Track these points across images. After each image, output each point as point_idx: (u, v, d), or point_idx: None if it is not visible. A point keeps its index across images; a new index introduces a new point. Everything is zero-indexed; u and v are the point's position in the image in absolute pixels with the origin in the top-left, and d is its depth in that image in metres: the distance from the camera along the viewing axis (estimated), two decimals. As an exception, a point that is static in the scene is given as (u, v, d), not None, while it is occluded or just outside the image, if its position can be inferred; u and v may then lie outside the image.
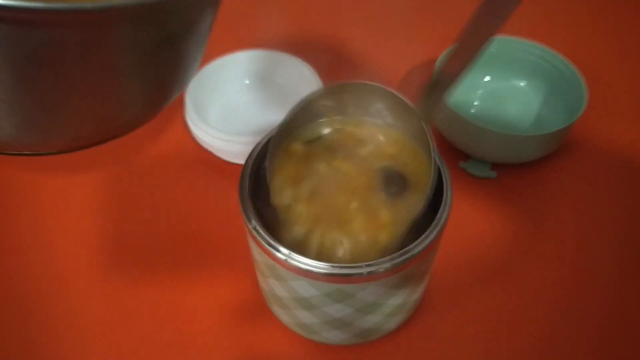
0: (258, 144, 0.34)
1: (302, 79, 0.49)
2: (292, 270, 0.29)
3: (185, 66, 0.27)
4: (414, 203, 0.31)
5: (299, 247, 0.30)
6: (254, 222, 0.30)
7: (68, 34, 0.20)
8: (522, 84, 0.50)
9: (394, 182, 0.32)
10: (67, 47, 0.20)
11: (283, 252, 0.29)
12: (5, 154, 0.25)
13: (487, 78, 0.51)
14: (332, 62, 0.57)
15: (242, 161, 0.33)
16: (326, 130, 0.34)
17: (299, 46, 0.58)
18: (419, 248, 0.29)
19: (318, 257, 0.29)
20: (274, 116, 0.49)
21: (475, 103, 0.50)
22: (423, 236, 0.29)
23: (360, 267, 0.28)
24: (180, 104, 0.47)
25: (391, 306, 0.32)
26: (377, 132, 0.34)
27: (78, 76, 0.22)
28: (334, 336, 0.34)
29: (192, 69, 0.28)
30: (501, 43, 0.49)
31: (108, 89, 0.23)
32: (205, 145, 0.46)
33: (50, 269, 0.40)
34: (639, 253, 0.41)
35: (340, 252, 0.30)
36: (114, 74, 0.23)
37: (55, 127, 0.23)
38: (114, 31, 0.21)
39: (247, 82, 0.51)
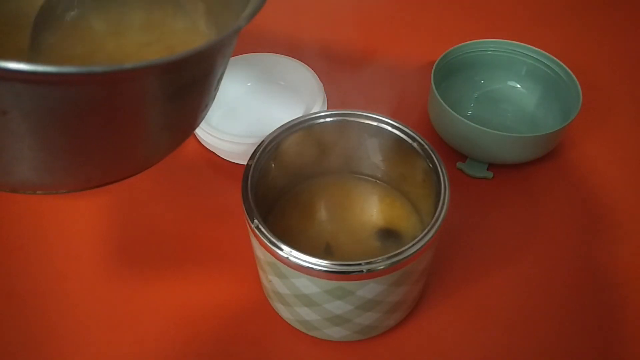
0: (260, 144, 0.35)
1: (303, 81, 0.50)
2: (293, 268, 0.30)
3: (196, 112, 0.28)
4: None
5: None
6: (256, 220, 0.31)
7: (83, 92, 0.21)
8: (517, 86, 0.51)
9: None
10: (82, 103, 0.21)
11: (285, 250, 0.29)
12: (18, 193, 0.25)
13: (483, 80, 0.52)
14: (333, 64, 0.57)
15: (244, 161, 0.34)
16: None
17: (300, 49, 0.58)
18: (418, 246, 0.30)
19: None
20: (275, 117, 0.49)
21: (472, 104, 0.51)
22: (421, 234, 0.30)
23: (360, 264, 0.29)
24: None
25: (390, 303, 0.33)
26: None
27: (93, 127, 0.23)
28: (334, 332, 0.35)
29: (204, 113, 0.29)
30: (497, 46, 0.50)
31: (121, 137, 0.24)
32: (208, 146, 0.47)
33: (53, 270, 0.40)
34: (635, 252, 0.41)
35: None
36: (127, 124, 0.24)
37: (69, 171, 0.24)
38: (127, 89, 0.22)
39: (249, 84, 0.52)
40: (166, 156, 0.28)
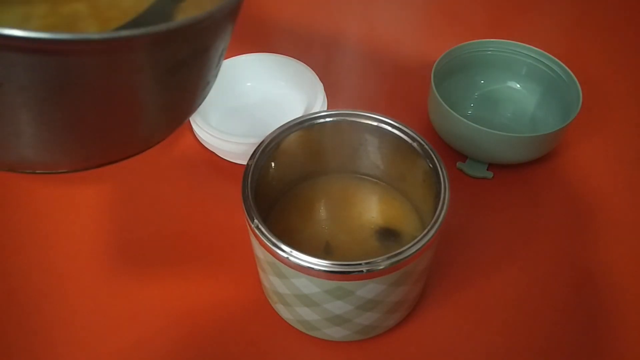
0: (260, 144, 0.35)
1: (303, 82, 0.50)
2: (293, 268, 0.30)
3: (197, 90, 0.27)
4: None
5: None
6: (256, 220, 0.31)
7: (81, 62, 0.20)
8: (517, 86, 0.51)
9: None
10: (79, 74, 0.21)
11: (285, 250, 0.29)
12: (18, 172, 0.25)
13: (483, 80, 0.52)
14: (333, 65, 0.57)
15: (244, 161, 0.34)
16: None
17: (300, 49, 0.59)
18: (418, 246, 0.30)
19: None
20: (275, 117, 0.49)
21: (472, 105, 0.51)
22: (421, 234, 0.30)
23: (360, 264, 0.29)
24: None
25: (390, 303, 0.33)
26: None
27: (90, 101, 0.22)
28: (334, 333, 0.35)
29: (205, 91, 0.28)
30: (497, 46, 0.50)
31: (120, 113, 0.24)
32: (208, 146, 0.47)
33: (53, 269, 0.40)
34: (634, 252, 0.41)
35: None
36: (126, 99, 0.23)
37: (68, 148, 0.24)
38: (124, 59, 0.21)
39: (249, 84, 0.52)
40: (167, 136, 0.27)
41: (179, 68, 0.24)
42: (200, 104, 0.29)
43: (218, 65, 0.28)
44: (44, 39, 0.18)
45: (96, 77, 0.21)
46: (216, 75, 0.29)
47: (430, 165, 0.34)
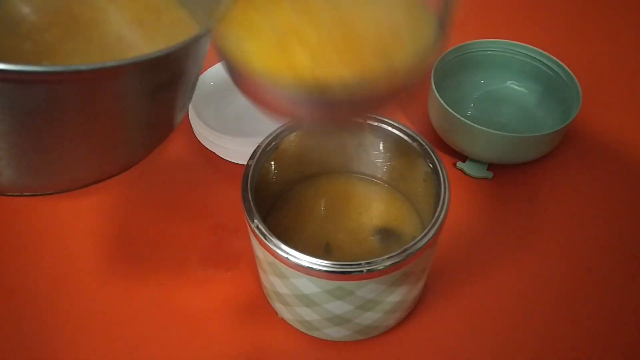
0: (260, 144, 0.35)
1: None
2: (293, 268, 0.30)
3: (175, 110, 0.29)
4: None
5: None
6: (256, 220, 0.31)
7: (64, 91, 0.21)
8: (518, 86, 0.51)
9: None
10: (63, 101, 0.21)
11: (284, 250, 0.29)
12: (5, 196, 0.26)
13: (483, 80, 0.52)
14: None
15: (244, 161, 0.34)
16: None
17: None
18: (418, 246, 0.30)
19: None
20: (274, 117, 0.49)
21: (472, 104, 0.51)
22: (421, 235, 0.30)
23: (360, 264, 0.29)
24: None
25: (390, 303, 0.33)
26: None
27: (74, 126, 0.23)
28: (334, 332, 0.35)
29: (182, 112, 0.30)
30: (497, 46, 0.50)
31: (102, 136, 0.25)
32: (208, 146, 0.47)
33: (54, 269, 0.41)
34: (634, 251, 0.41)
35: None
36: (107, 123, 0.24)
37: (53, 172, 0.25)
38: (107, 87, 0.22)
39: (248, 84, 0.52)
40: (147, 155, 0.29)
41: (159, 91, 0.25)
42: (178, 124, 0.30)
43: (194, 86, 0.29)
44: (29, 71, 0.18)
45: (80, 104, 0.22)
46: (191, 97, 0.30)
47: (430, 165, 0.34)
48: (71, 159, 0.24)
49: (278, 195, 0.39)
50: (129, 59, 0.21)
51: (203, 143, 0.48)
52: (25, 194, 0.26)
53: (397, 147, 0.36)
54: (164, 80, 0.25)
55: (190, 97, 0.30)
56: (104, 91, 0.22)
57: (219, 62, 0.51)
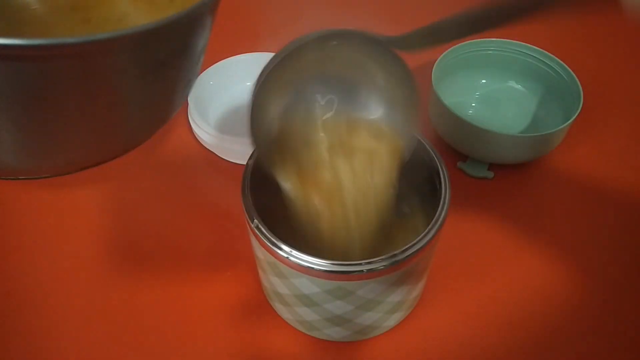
0: (260, 144, 0.35)
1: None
2: (293, 268, 0.30)
3: (178, 88, 0.27)
4: None
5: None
6: (256, 220, 0.31)
7: (57, 67, 0.20)
8: (518, 86, 0.51)
9: None
10: (59, 77, 0.20)
11: (284, 250, 0.29)
12: (2, 179, 0.25)
13: (484, 80, 0.51)
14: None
15: (243, 161, 0.34)
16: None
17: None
18: (418, 246, 0.30)
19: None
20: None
21: (473, 104, 0.51)
22: (421, 234, 0.30)
23: (360, 264, 0.29)
24: (183, 105, 0.47)
25: (390, 303, 0.33)
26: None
27: (69, 105, 0.22)
28: (334, 333, 0.35)
29: (187, 89, 0.28)
30: (498, 46, 0.50)
31: (101, 116, 0.23)
32: (208, 146, 0.47)
33: (54, 268, 0.40)
34: (634, 252, 0.41)
35: None
36: (106, 102, 0.23)
37: (50, 153, 0.24)
38: (103, 62, 0.21)
39: (249, 84, 0.52)
40: (149, 137, 0.27)
41: (159, 68, 0.24)
42: (182, 103, 0.29)
43: (199, 62, 0.28)
44: (21, 45, 0.18)
45: (75, 81, 0.21)
46: (197, 73, 0.28)
47: (431, 165, 0.34)
48: (67, 139, 0.23)
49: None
50: (121, 31, 0.20)
51: (202, 143, 0.47)
52: (19, 177, 0.25)
53: (397, 147, 0.36)
54: (165, 55, 0.24)
55: (196, 74, 0.28)
56: (101, 67, 0.21)
57: (218, 61, 0.51)
